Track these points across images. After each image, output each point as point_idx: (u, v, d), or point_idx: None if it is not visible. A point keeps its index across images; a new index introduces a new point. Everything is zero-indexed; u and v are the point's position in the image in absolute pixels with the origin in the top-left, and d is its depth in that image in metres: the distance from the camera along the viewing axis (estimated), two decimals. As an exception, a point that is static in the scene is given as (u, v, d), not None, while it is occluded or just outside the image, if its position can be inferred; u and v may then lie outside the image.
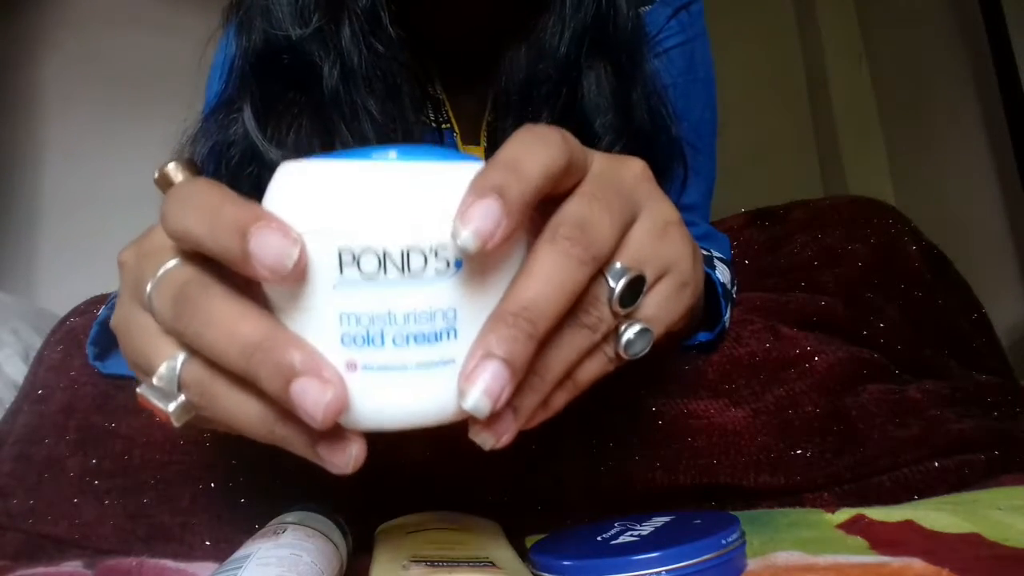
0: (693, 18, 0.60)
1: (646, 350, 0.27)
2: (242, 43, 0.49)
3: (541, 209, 0.26)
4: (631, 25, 0.51)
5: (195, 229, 0.24)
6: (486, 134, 0.57)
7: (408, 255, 0.23)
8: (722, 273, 0.50)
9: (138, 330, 0.27)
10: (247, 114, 0.48)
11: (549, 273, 0.24)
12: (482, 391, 0.22)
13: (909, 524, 0.37)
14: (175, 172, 0.28)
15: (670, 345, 0.46)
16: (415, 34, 0.50)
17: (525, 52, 0.51)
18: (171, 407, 0.25)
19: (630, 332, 0.27)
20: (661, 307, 0.28)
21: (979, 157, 1.59)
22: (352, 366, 0.23)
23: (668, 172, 0.53)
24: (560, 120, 0.49)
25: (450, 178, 0.24)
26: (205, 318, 0.24)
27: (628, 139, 0.50)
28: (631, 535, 0.35)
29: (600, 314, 0.26)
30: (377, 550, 0.37)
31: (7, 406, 0.53)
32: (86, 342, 0.49)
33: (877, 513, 0.40)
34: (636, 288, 0.26)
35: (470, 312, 0.24)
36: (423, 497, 0.43)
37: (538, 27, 0.50)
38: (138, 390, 0.26)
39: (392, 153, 0.25)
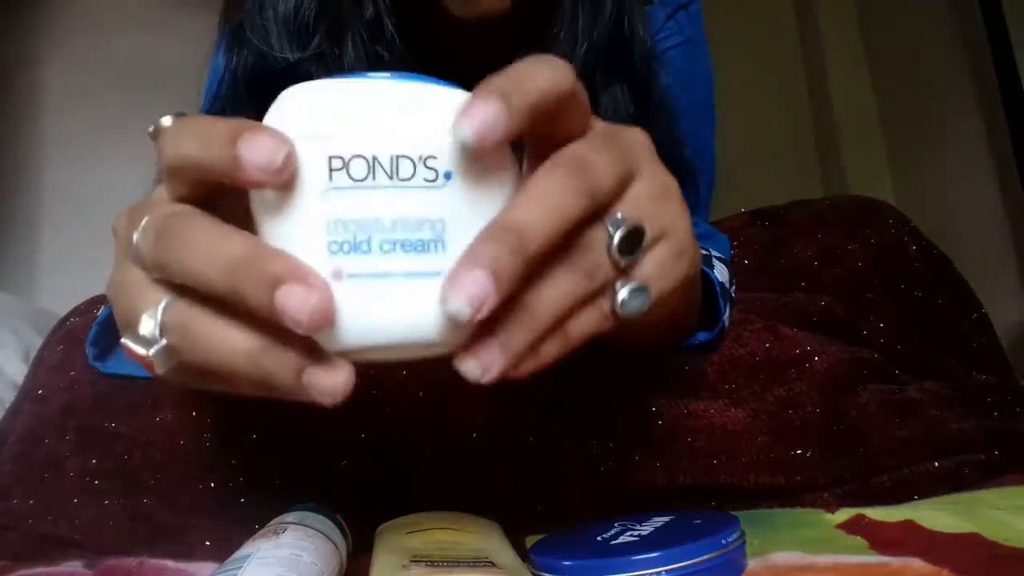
0: (692, 18, 0.60)
1: (642, 310, 0.27)
2: (232, 60, 0.48)
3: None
4: (648, 49, 0.50)
5: (189, 149, 0.24)
6: None
7: (398, 161, 0.23)
8: (720, 272, 0.51)
9: (127, 286, 0.27)
10: None
11: (544, 194, 0.24)
12: (465, 295, 0.22)
13: (909, 524, 0.37)
14: (169, 119, 0.28)
15: (668, 335, 0.46)
16: (420, 55, 0.49)
17: None
18: (152, 351, 0.25)
19: (626, 289, 0.26)
20: (659, 269, 0.28)
21: (979, 157, 1.59)
22: (338, 275, 0.23)
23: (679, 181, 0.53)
24: None
25: (445, 97, 0.25)
26: (188, 243, 0.24)
27: None
28: (631, 535, 0.35)
29: (597, 260, 0.26)
30: (377, 550, 0.37)
31: (7, 406, 0.53)
32: (86, 342, 0.49)
33: (877, 513, 0.40)
34: (635, 240, 0.26)
35: (459, 226, 0.24)
36: (423, 497, 0.43)
37: (548, 43, 0.49)
38: (122, 339, 0.26)
39: (386, 75, 0.25)
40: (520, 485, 0.45)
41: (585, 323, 0.26)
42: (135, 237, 0.26)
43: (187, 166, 0.25)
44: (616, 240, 0.26)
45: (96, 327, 0.49)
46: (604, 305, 0.27)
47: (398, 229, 0.23)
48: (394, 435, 0.44)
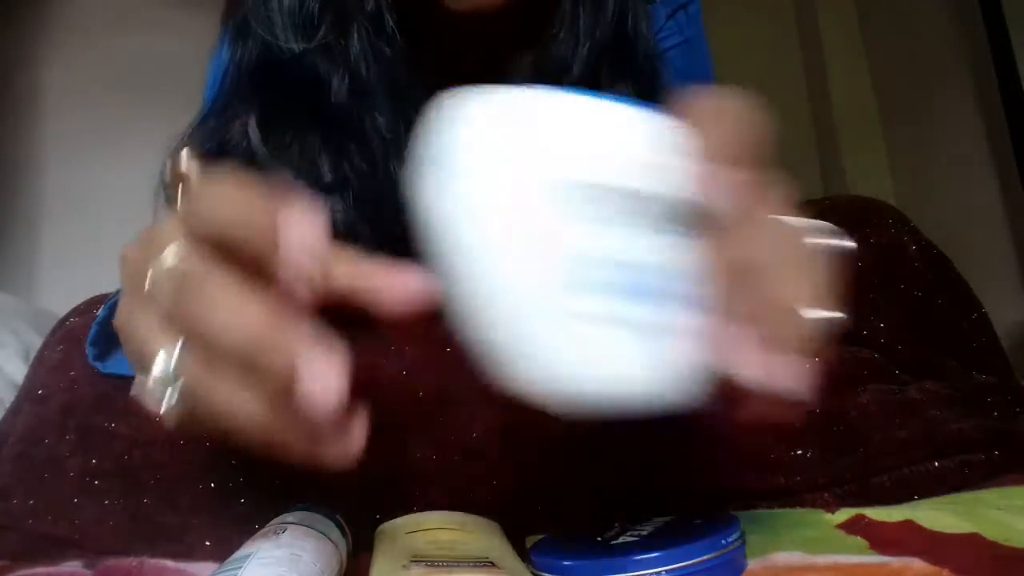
0: (691, 19, 0.60)
1: None
2: (237, 53, 0.48)
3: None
4: (652, 50, 0.50)
5: (224, 219, 0.23)
6: None
7: (650, 201, 0.21)
8: None
9: (137, 324, 0.26)
10: (251, 126, 0.46)
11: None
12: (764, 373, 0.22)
13: (909, 524, 0.37)
14: (189, 166, 0.26)
15: None
16: (421, 53, 0.49)
17: (534, 67, 0.50)
18: (164, 402, 0.25)
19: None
20: None
21: (979, 157, 1.59)
22: (573, 314, 0.21)
23: None
24: None
25: (673, 131, 0.23)
26: (209, 301, 0.23)
27: None
28: (631, 535, 0.35)
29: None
30: (377, 550, 0.37)
31: (7, 406, 0.53)
32: (86, 342, 0.49)
33: (877, 513, 0.40)
34: None
35: (702, 279, 0.22)
36: (423, 497, 0.43)
37: (548, 42, 0.49)
38: (133, 386, 0.25)
39: (608, 97, 0.23)
40: (520, 485, 0.45)
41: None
42: (149, 275, 0.25)
43: (218, 235, 0.24)
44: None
45: (96, 327, 0.49)
46: None
47: (636, 274, 0.21)
48: (394, 435, 0.44)
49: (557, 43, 0.49)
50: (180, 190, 0.26)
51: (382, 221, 0.47)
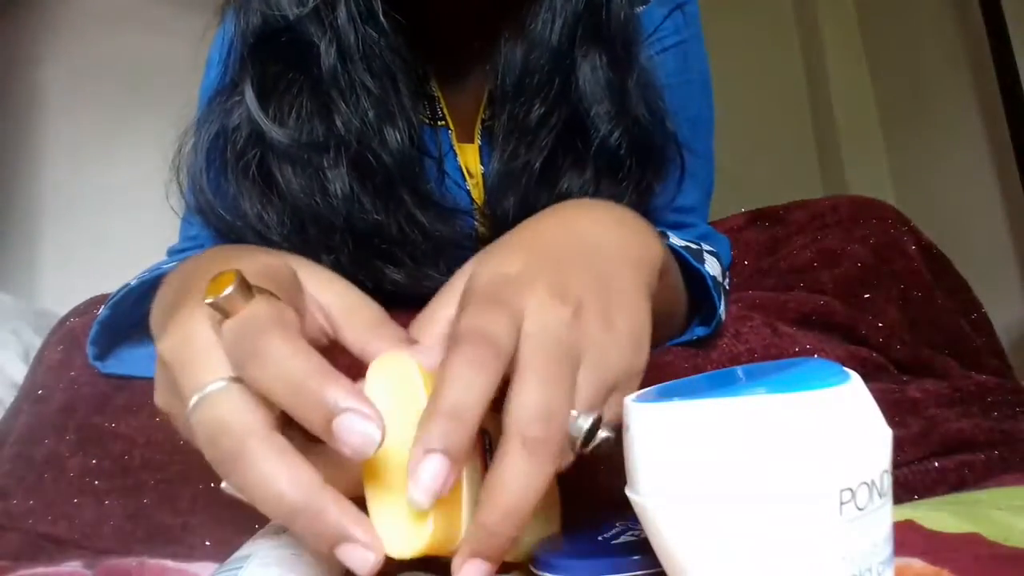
0: (688, 19, 0.60)
1: (611, 445, 0.29)
2: (240, 25, 0.49)
3: None
4: (624, 15, 0.51)
5: (278, 389, 0.25)
6: (480, 132, 0.57)
7: (883, 478, 0.24)
8: (712, 267, 0.50)
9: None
10: (248, 95, 0.48)
11: (521, 481, 0.26)
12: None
13: (909, 524, 0.37)
14: (235, 292, 0.27)
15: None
16: (408, 28, 0.50)
17: (517, 44, 0.51)
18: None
19: (596, 442, 0.28)
20: (616, 414, 0.29)
21: (979, 157, 1.59)
22: None
23: (666, 165, 0.53)
24: (553, 110, 0.49)
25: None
26: (248, 475, 0.25)
27: (625, 130, 0.50)
28: (631, 535, 0.35)
29: (564, 457, 0.29)
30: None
31: (7, 406, 0.53)
32: (86, 342, 0.49)
33: (877, 513, 0.39)
34: (594, 428, 0.28)
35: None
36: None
37: (530, 18, 0.50)
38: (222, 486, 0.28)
39: (761, 389, 0.24)
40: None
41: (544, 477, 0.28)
42: (189, 406, 0.27)
43: (274, 396, 0.26)
44: (580, 441, 0.28)
45: (96, 327, 0.49)
46: (564, 460, 0.29)
47: (883, 549, 0.24)
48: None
49: (538, 17, 0.50)
50: (224, 313, 0.27)
51: (377, 187, 0.49)
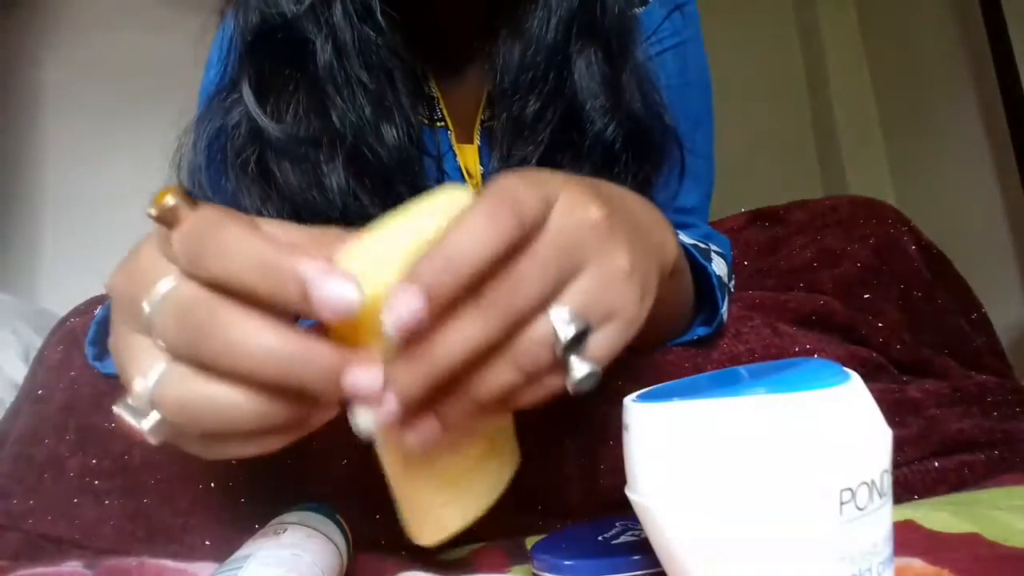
0: (687, 20, 0.60)
1: (594, 388, 0.28)
2: (239, 23, 0.50)
3: None
4: (618, 9, 0.51)
5: (243, 276, 0.25)
6: (480, 133, 0.57)
7: (883, 478, 0.24)
8: (718, 267, 0.50)
9: (125, 350, 0.27)
10: (246, 92, 0.48)
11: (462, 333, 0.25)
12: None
13: (909, 524, 0.37)
14: (178, 202, 0.27)
15: (648, 342, 0.47)
16: (406, 27, 0.50)
17: (514, 43, 0.51)
18: (147, 424, 0.26)
19: (578, 373, 0.27)
20: (606, 348, 0.29)
21: (979, 157, 1.59)
22: None
23: (664, 159, 0.53)
24: (549, 106, 0.50)
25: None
26: (223, 339, 0.24)
27: (621, 124, 0.50)
28: (631, 535, 0.35)
29: (538, 356, 0.27)
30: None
31: (7, 406, 0.53)
32: (86, 342, 0.49)
33: (877, 513, 0.39)
34: (579, 338, 0.27)
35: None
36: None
37: (526, 16, 0.50)
38: (113, 408, 0.26)
39: (761, 389, 0.24)
40: (520, 485, 0.45)
41: (529, 397, 0.28)
42: (146, 310, 0.26)
43: (230, 284, 0.25)
44: (562, 339, 0.26)
45: (95, 326, 0.49)
46: (552, 382, 0.28)
47: (883, 549, 0.24)
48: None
49: (534, 15, 0.50)
50: (169, 224, 0.27)
51: (374, 180, 0.49)
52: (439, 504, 0.30)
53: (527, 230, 0.26)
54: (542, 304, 0.27)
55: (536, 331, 0.26)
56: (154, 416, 0.26)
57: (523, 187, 0.27)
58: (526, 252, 0.26)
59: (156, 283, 0.26)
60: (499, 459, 0.32)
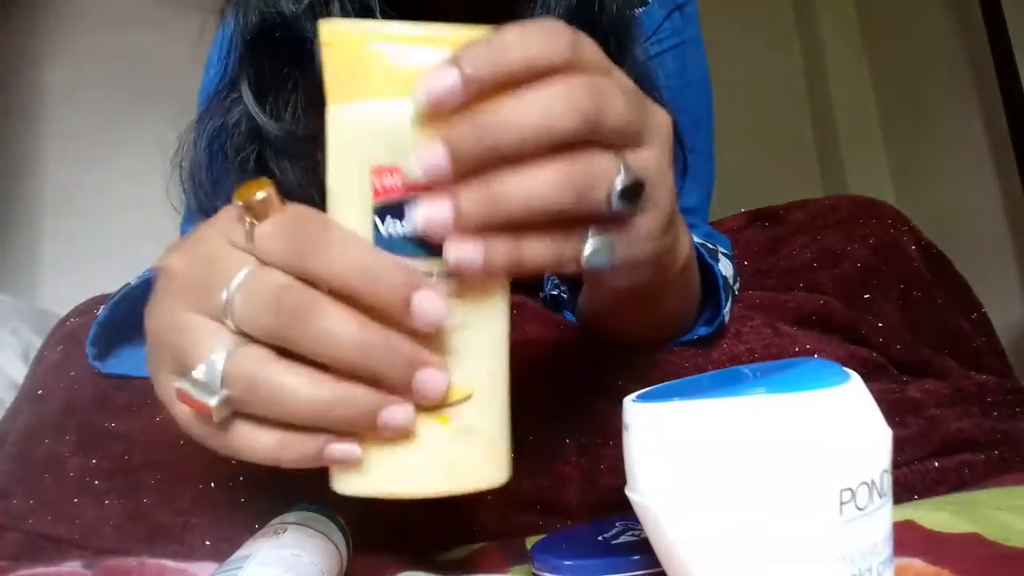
0: (687, 20, 0.60)
1: (602, 267, 0.27)
2: (239, 23, 0.50)
3: None
4: (617, 8, 0.51)
5: (347, 276, 0.26)
6: None
7: (883, 477, 0.24)
8: (725, 267, 0.51)
9: (188, 329, 0.28)
10: (245, 90, 0.49)
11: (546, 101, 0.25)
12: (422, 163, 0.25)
13: (909, 524, 0.37)
14: (269, 196, 0.28)
15: (665, 324, 0.47)
16: (402, 15, 0.50)
17: None
18: (215, 400, 0.27)
19: (594, 242, 0.27)
20: (635, 237, 0.29)
21: (979, 157, 1.59)
22: None
23: None
24: None
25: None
26: (322, 324, 0.26)
27: None
28: (631, 535, 0.35)
29: (591, 180, 0.26)
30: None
31: (7, 406, 0.53)
32: (86, 342, 0.49)
33: (877, 513, 0.39)
34: (635, 192, 0.27)
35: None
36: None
37: (524, 16, 0.50)
38: (177, 385, 0.27)
39: (761, 389, 0.24)
40: (520, 485, 0.45)
41: (545, 254, 0.27)
42: (223, 295, 0.27)
43: (336, 284, 0.26)
44: (620, 184, 0.26)
45: (95, 327, 0.49)
46: (568, 249, 0.27)
47: (883, 549, 0.24)
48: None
49: (533, 14, 0.50)
50: (257, 216, 0.27)
51: None
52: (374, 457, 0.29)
53: (574, 61, 0.26)
54: (613, 135, 0.27)
55: (600, 160, 0.26)
56: (222, 393, 0.27)
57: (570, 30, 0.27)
58: (617, 84, 0.27)
59: (238, 269, 0.27)
60: (472, 453, 0.29)
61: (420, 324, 0.26)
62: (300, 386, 0.26)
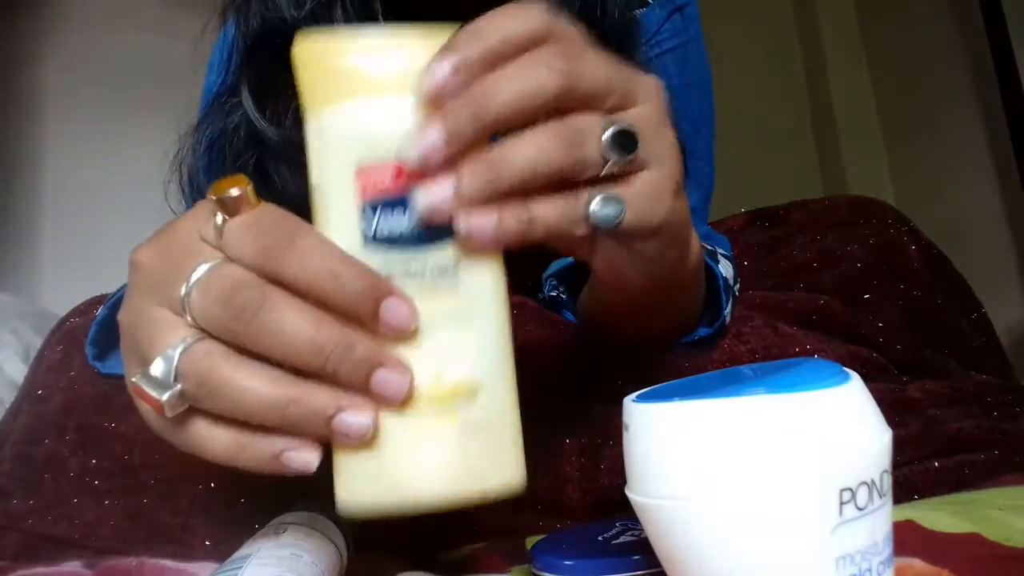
0: (687, 21, 0.60)
1: (612, 224, 0.27)
2: (240, 28, 0.50)
3: None
4: (619, 13, 0.51)
5: (318, 279, 0.25)
6: None
7: (883, 478, 0.24)
8: (725, 268, 0.51)
9: (150, 323, 0.28)
10: (245, 95, 0.49)
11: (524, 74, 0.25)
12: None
13: (909, 524, 0.37)
14: (244, 193, 0.27)
15: (669, 316, 0.47)
16: (401, 20, 0.50)
17: None
18: (166, 395, 0.26)
19: (601, 197, 0.27)
20: (647, 193, 0.28)
21: (979, 157, 1.59)
22: None
23: None
24: None
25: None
26: (274, 321, 0.25)
27: None
28: (631, 535, 0.35)
29: (584, 142, 0.26)
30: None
31: (7, 406, 0.53)
32: (86, 342, 0.49)
33: (877, 513, 0.39)
34: (627, 141, 0.27)
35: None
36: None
37: None
38: (132, 379, 0.27)
39: (761, 390, 0.23)
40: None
41: (554, 213, 0.27)
42: (182, 290, 0.26)
43: (304, 285, 0.26)
44: (609, 133, 0.27)
45: (96, 327, 0.49)
46: (577, 208, 0.27)
47: (883, 549, 0.24)
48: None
49: None
50: (229, 212, 0.27)
51: None
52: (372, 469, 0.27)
53: (554, 33, 0.27)
54: (596, 93, 0.27)
55: (588, 117, 0.27)
56: (175, 388, 0.26)
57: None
58: (593, 49, 0.27)
59: (200, 264, 0.27)
60: (485, 449, 0.28)
61: (388, 330, 0.26)
62: (253, 384, 0.26)
